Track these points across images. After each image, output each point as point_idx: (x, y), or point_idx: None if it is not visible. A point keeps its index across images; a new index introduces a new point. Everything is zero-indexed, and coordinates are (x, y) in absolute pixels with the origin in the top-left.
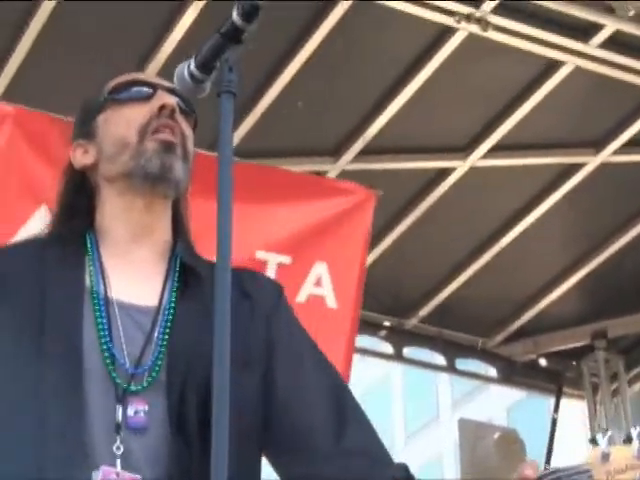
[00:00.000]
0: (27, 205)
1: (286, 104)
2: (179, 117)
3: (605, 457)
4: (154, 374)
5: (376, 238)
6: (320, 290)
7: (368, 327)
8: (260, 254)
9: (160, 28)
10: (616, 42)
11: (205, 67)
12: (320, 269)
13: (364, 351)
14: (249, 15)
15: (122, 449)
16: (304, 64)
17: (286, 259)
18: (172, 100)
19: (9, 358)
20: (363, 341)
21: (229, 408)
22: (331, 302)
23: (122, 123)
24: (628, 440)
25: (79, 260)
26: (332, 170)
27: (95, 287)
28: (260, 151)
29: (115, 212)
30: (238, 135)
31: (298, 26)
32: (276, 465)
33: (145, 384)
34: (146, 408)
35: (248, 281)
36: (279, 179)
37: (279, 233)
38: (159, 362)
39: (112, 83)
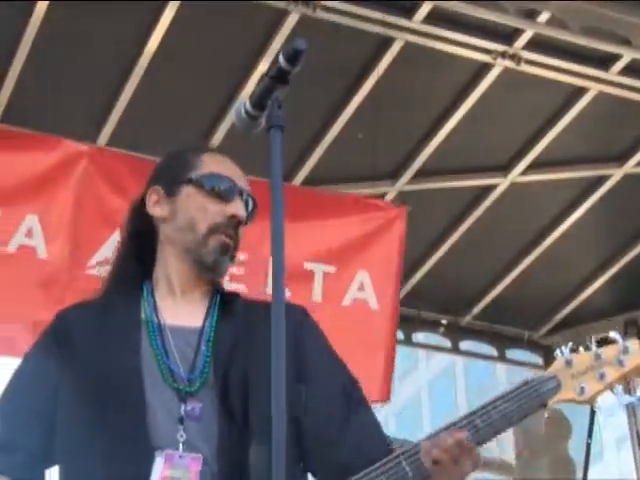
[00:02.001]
0: (103, 230)
1: (348, 136)
2: (240, 227)
3: (568, 363)
4: (203, 378)
5: (432, 248)
6: (363, 294)
7: (428, 325)
8: (307, 265)
9: (236, 83)
10: (633, 69)
11: (258, 105)
12: (362, 276)
13: (426, 346)
14: (293, 59)
15: (185, 436)
16: (363, 101)
17: (331, 269)
18: (243, 214)
19: (83, 387)
20: (424, 337)
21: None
22: (373, 304)
23: (199, 210)
24: (586, 349)
25: (136, 300)
26: (391, 192)
27: (149, 317)
28: (328, 178)
29: (171, 267)
30: (309, 165)
31: (356, 69)
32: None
33: (196, 387)
34: (200, 405)
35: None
36: (322, 200)
37: (323, 246)
38: (206, 369)
39: (207, 167)
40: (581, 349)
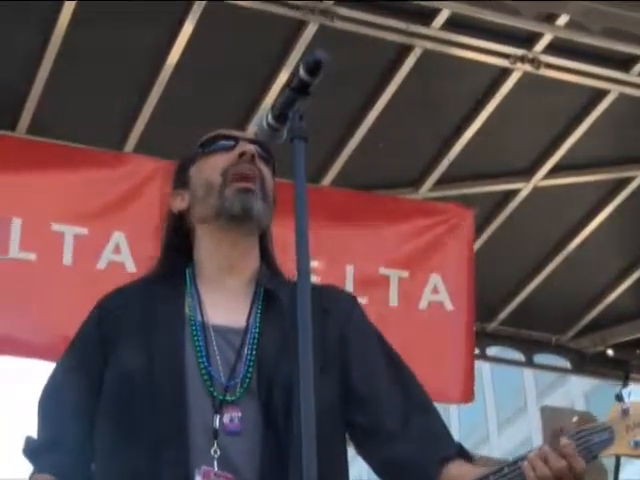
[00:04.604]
0: None
1: (370, 145)
2: (258, 162)
3: (625, 412)
4: (245, 385)
5: None
6: (438, 297)
7: None
8: (382, 270)
9: (256, 94)
10: None
11: (280, 117)
12: (435, 279)
13: None
14: (313, 71)
15: (219, 452)
16: (384, 109)
17: (404, 273)
18: (251, 147)
19: (126, 383)
20: None
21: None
22: (448, 305)
23: (209, 169)
24: None
25: (179, 292)
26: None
27: (193, 315)
28: (351, 187)
29: (208, 249)
30: (332, 174)
31: (376, 77)
32: (359, 451)
33: (238, 394)
34: (239, 415)
35: (325, 296)
36: (391, 205)
37: (396, 252)
38: (249, 374)
39: (201, 139)
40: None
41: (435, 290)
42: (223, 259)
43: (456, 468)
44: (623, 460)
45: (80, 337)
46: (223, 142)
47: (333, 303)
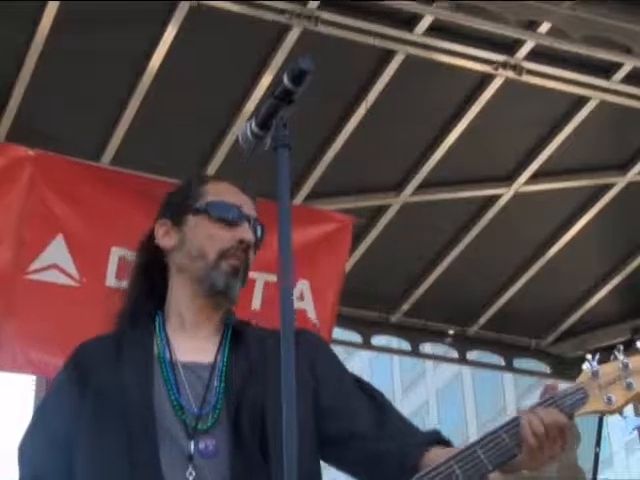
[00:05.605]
0: (46, 235)
1: (352, 149)
2: (250, 252)
3: (595, 374)
4: (215, 415)
5: (437, 259)
6: (302, 304)
7: (436, 336)
8: (250, 274)
9: (239, 98)
10: (634, 77)
11: (264, 125)
12: (302, 286)
13: (433, 356)
14: (298, 79)
15: (194, 474)
16: (365, 114)
17: (272, 277)
18: (251, 238)
19: (100, 417)
20: (431, 348)
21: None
22: (311, 314)
23: (207, 238)
24: (615, 358)
25: (149, 334)
26: (395, 204)
27: (162, 354)
28: (332, 191)
29: (182, 299)
30: (313, 178)
31: (358, 82)
32: (335, 463)
33: (210, 423)
34: (214, 442)
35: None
36: (266, 209)
37: (266, 255)
38: (219, 405)
39: (211, 196)
40: (613, 357)
41: (300, 296)
42: (195, 313)
43: (436, 452)
44: (601, 462)
45: (58, 382)
46: (229, 214)
47: (301, 339)
